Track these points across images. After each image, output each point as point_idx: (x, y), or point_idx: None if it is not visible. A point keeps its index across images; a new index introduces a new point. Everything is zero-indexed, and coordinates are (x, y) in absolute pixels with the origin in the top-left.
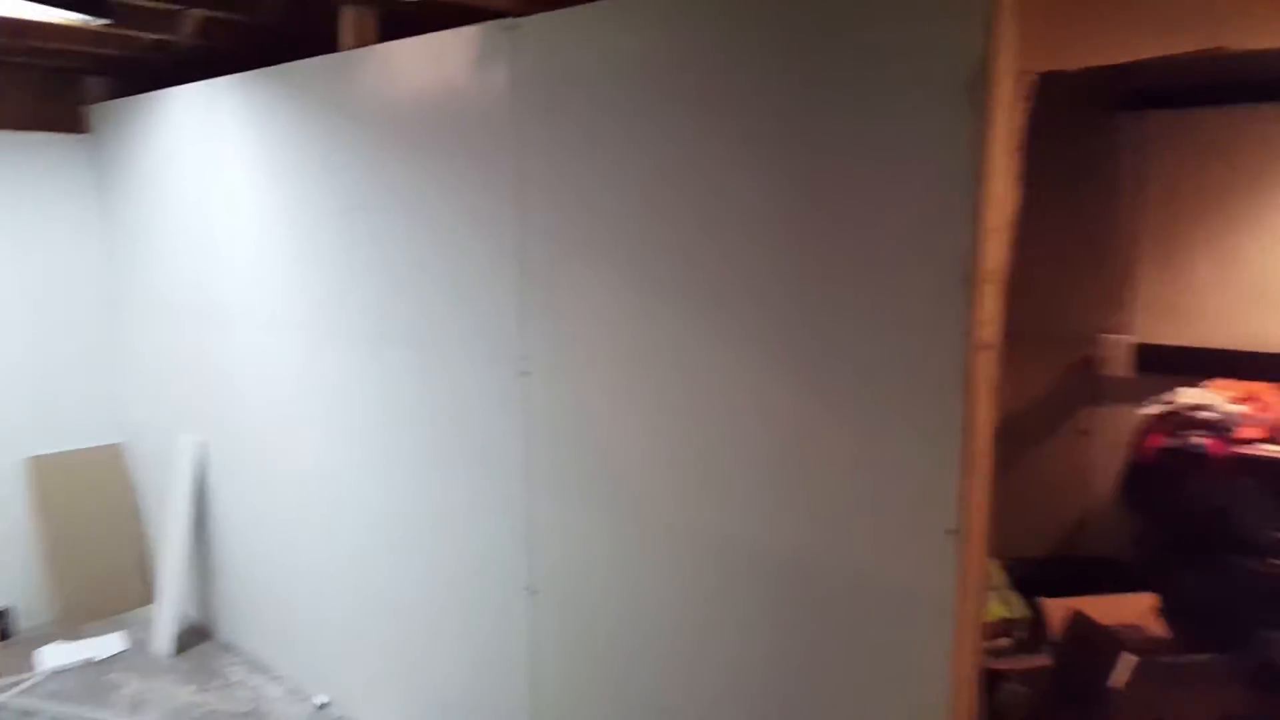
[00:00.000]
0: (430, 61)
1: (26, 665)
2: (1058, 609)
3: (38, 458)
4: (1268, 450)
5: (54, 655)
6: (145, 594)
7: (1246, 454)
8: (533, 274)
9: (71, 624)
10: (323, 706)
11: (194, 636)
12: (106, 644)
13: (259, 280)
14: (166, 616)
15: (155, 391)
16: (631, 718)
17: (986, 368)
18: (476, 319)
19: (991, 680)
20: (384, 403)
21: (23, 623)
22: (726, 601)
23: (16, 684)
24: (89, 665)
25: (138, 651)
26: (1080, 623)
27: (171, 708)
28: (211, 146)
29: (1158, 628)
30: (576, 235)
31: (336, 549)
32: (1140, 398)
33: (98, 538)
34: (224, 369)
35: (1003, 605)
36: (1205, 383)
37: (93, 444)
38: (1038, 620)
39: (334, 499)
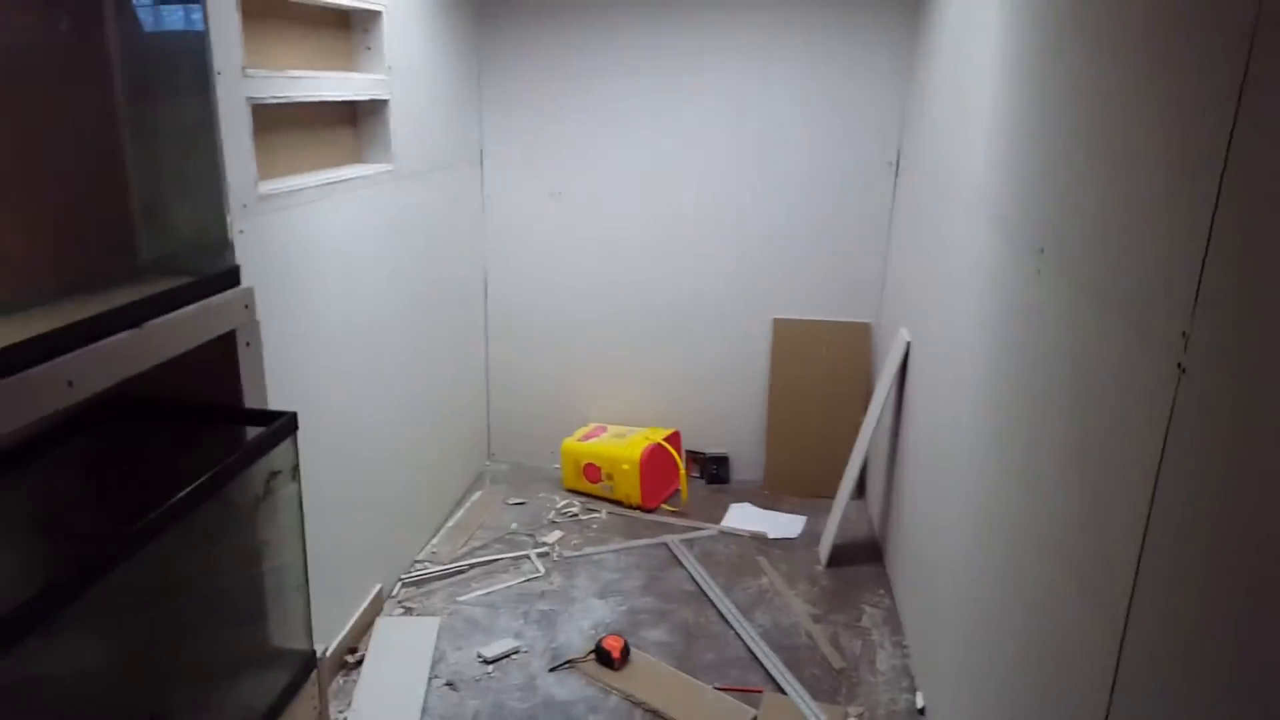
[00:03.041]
0: None
1: (717, 515)
2: None
3: (783, 320)
4: None
5: (735, 517)
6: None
7: None
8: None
9: (774, 489)
10: (921, 711)
11: (862, 552)
12: (785, 524)
13: (974, 161)
14: (833, 523)
15: (895, 269)
16: None
17: None
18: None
19: None
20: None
21: (737, 474)
22: None
23: (693, 530)
24: (755, 538)
25: (804, 545)
26: None
27: (783, 622)
28: None
29: None
30: None
31: (963, 526)
32: None
33: (823, 415)
34: (936, 258)
35: None
36: None
37: (844, 318)
38: None
39: (968, 467)
